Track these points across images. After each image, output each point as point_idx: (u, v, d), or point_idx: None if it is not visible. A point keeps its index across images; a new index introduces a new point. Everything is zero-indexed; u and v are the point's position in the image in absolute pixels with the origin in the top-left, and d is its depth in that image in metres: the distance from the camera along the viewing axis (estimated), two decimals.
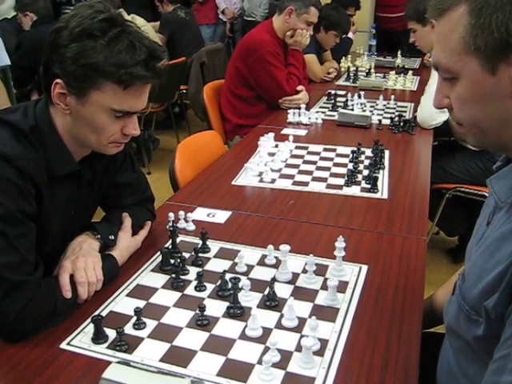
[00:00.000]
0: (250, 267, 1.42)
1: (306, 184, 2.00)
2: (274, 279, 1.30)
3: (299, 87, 3.08)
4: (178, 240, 1.50)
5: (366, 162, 2.19)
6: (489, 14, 0.83)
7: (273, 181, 2.03)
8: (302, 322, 1.19)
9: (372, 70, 4.05)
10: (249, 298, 1.27)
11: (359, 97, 3.10)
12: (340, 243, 1.38)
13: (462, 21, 0.87)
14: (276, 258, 1.43)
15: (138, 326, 1.18)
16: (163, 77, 1.27)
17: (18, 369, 1.06)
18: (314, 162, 2.22)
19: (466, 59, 0.88)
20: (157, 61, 1.22)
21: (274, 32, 3.10)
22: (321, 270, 1.39)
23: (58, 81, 1.18)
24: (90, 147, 1.30)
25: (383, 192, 1.93)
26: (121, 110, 1.21)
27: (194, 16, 5.57)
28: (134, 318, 1.18)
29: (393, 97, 3.20)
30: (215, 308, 1.24)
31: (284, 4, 3.05)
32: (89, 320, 1.19)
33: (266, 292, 1.28)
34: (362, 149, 2.29)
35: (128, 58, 1.16)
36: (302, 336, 1.15)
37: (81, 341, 1.14)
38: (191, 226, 1.63)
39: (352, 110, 2.98)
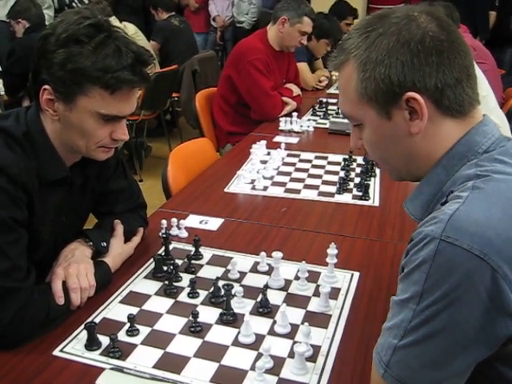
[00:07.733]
0: (243, 274, 1.42)
1: (297, 191, 2.01)
2: (266, 286, 1.31)
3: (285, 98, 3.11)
4: (170, 247, 1.50)
5: (358, 170, 2.20)
6: (372, 69, 0.92)
7: (265, 188, 2.04)
8: (294, 328, 1.20)
9: None
10: (242, 305, 1.27)
11: None
12: (332, 250, 1.39)
13: (353, 75, 0.95)
14: (268, 264, 1.44)
15: (132, 332, 1.18)
16: (150, 81, 1.28)
17: (11, 376, 1.06)
18: (306, 170, 2.24)
19: (364, 108, 0.96)
20: (144, 65, 1.23)
21: (267, 41, 3.12)
22: (313, 277, 1.39)
23: (46, 87, 1.19)
24: (79, 153, 1.30)
25: (375, 199, 1.94)
26: (109, 115, 1.22)
27: (188, 24, 5.58)
28: (128, 325, 1.19)
29: None
30: (208, 315, 1.25)
31: (278, 14, 3.08)
32: (82, 327, 1.19)
33: (259, 299, 1.29)
34: (354, 156, 2.30)
35: (114, 63, 1.17)
36: (294, 342, 1.15)
37: (74, 348, 1.14)
38: (184, 233, 1.64)
39: (343, 118, 2.99)
